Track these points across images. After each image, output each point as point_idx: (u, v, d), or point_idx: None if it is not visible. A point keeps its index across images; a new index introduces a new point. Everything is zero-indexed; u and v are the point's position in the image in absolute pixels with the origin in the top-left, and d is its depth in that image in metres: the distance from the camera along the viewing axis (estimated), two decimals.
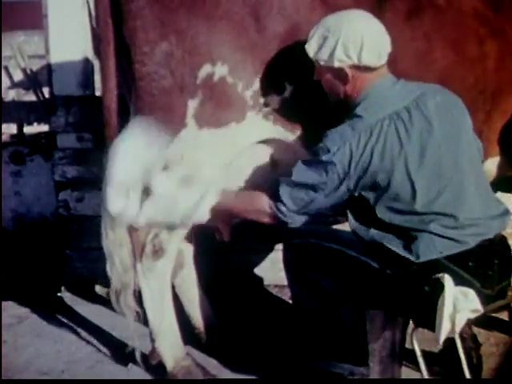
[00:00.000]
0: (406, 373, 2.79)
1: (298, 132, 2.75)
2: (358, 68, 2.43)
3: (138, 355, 2.97)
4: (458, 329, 2.27)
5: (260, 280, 3.91)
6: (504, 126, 2.84)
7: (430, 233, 2.35)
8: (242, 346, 3.16)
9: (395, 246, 2.38)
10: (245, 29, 2.61)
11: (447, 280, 2.27)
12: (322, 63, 2.47)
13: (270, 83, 2.68)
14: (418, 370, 2.80)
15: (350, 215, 2.49)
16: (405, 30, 2.66)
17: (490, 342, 3.10)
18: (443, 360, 2.81)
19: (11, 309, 3.74)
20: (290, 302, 3.71)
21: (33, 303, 3.78)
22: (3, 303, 3.75)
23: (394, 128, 2.36)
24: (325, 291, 2.51)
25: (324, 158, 2.37)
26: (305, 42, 2.51)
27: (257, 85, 2.66)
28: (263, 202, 2.50)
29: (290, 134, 2.75)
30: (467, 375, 2.44)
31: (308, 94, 2.66)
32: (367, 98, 2.43)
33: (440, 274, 2.29)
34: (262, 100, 2.69)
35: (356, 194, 2.41)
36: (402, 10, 2.66)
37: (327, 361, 2.57)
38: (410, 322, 2.60)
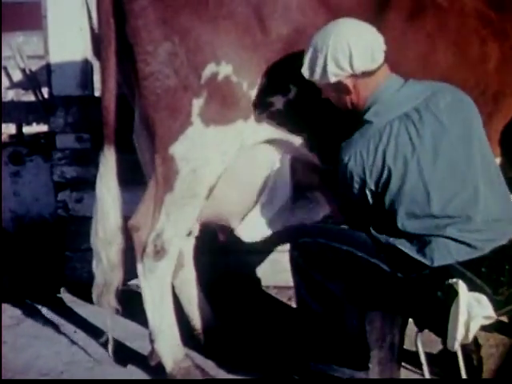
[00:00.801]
0: (406, 373, 2.79)
1: (303, 132, 2.75)
2: (356, 76, 2.43)
3: (110, 348, 3.01)
4: (471, 335, 2.25)
5: (259, 281, 3.91)
6: (505, 126, 2.84)
7: (446, 238, 2.32)
8: (240, 347, 3.16)
9: (409, 249, 2.35)
10: (249, 28, 2.62)
11: (461, 286, 2.24)
12: (318, 82, 2.50)
13: (275, 83, 2.68)
14: (418, 370, 2.82)
15: (367, 217, 2.49)
16: (407, 31, 2.66)
17: (490, 344, 3.09)
18: (443, 361, 2.81)
19: (11, 310, 3.74)
20: (289, 303, 3.73)
21: (32, 304, 3.78)
22: (3, 304, 3.74)
23: (404, 129, 2.36)
24: (331, 294, 2.48)
25: (340, 168, 2.43)
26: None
27: (262, 84, 2.67)
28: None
29: (294, 134, 2.75)
30: (463, 375, 2.43)
31: (313, 94, 2.67)
32: (375, 102, 2.43)
33: (453, 280, 2.26)
34: (267, 99, 2.70)
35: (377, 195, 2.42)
36: (404, 11, 2.67)
37: (327, 364, 2.55)
38: (411, 324, 2.60)
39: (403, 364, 2.73)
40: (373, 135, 2.38)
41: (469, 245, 2.32)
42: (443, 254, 2.32)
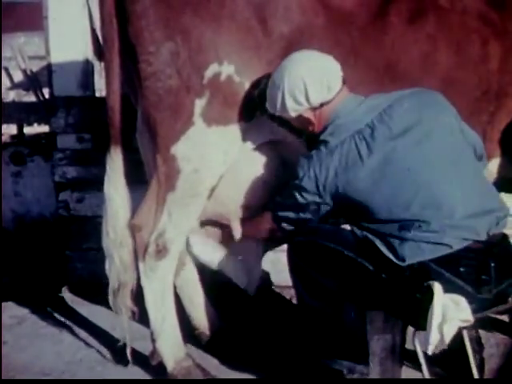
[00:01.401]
0: (406, 373, 2.80)
1: (301, 133, 2.75)
2: (314, 108, 2.53)
3: (129, 353, 2.99)
4: (447, 339, 2.23)
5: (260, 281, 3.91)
6: (506, 126, 2.84)
7: (413, 240, 2.35)
8: (242, 346, 3.16)
9: (385, 248, 2.39)
10: (251, 29, 2.63)
11: (437, 288, 2.25)
12: (281, 115, 2.60)
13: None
14: (418, 370, 2.82)
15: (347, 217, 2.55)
16: (408, 31, 2.67)
17: (491, 343, 3.10)
18: (443, 361, 2.81)
19: (12, 309, 3.74)
20: (290, 302, 3.73)
21: (33, 304, 3.78)
22: (4, 304, 3.75)
23: (354, 147, 2.44)
24: (327, 290, 2.53)
25: (296, 183, 2.53)
26: (311, 43, 2.58)
27: (263, 84, 2.67)
28: (268, 226, 2.75)
29: (296, 134, 2.76)
30: (476, 375, 2.43)
31: None
32: (331, 123, 2.52)
33: (430, 282, 2.28)
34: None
35: (336, 211, 2.52)
36: (406, 12, 2.67)
37: (327, 357, 2.58)
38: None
39: (404, 363, 2.73)
40: (326, 154, 2.47)
41: (437, 243, 2.33)
42: (414, 251, 2.34)
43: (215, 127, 2.70)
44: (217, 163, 2.76)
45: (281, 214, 2.65)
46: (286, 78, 2.51)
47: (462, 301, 2.26)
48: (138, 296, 2.91)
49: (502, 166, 2.91)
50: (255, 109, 2.72)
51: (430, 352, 2.28)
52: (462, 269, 2.33)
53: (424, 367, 2.49)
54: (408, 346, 2.71)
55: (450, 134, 2.48)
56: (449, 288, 2.27)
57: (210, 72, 2.64)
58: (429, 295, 2.26)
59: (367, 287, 2.47)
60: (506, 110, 2.82)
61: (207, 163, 2.75)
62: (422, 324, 2.29)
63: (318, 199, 2.50)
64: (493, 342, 3.12)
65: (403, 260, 2.35)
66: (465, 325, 2.28)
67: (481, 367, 2.81)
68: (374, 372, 2.58)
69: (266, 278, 3.85)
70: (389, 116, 2.44)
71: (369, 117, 2.46)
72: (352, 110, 2.50)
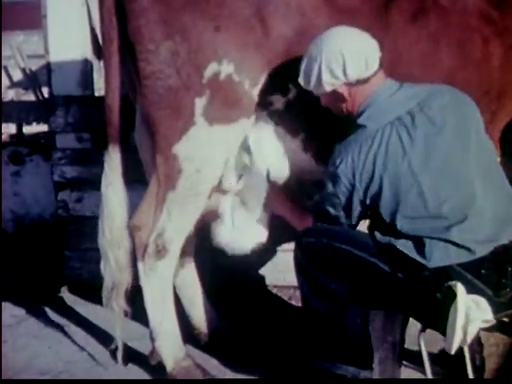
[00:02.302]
0: (406, 373, 2.79)
1: (304, 131, 2.75)
2: (351, 84, 2.46)
3: (120, 354, 3.00)
4: (469, 339, 2.23)
5: (260, 280, 3.91)
6: (506, 125, 2.84)
7: (445, 240, 2.31)
8: (241, 346, 3.16)
9: (409, 250, 2.34)
10: (250, 27, 2.62)
11: (460, 289, 2.22)
12: (314, 91, 2.53)
13: (276, 82, 2.69)
14: (418, 370, 2.82)
15: (368, 220, 2.50)
16: (410, 30, 2.66)
17: (490, 343, 3.10)
18: (443, 360, 2.81)
19: (11, 309, 3.74)
20: (290, 302, 3.73)
21: (32, 304, 3.78)
22: (3, 303, 3.75)
23: (395, 134, 2.38)
24: (333, 294, 2.48)
25: (331, 170, 2.45)
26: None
27: (263, 83, 2.68)
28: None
29: (295, 133, 2.76)
30: (470, 375, 2.43)
31: (312, 95, 2.67)
32: (369, 107, 2.45)
33: (452, 282, 2.25)
34: (268, 98, 2.71)
35: (368, 204, 2.42)
36: (408, 11, 2.67)
37: (331, 362, 2.54)
38: (413, 323, 2.60)
39: (404, 363, 2.73)
40: (365, 140, 2.40)
41: (468, 248, 2.31)
42: (442, 255, 2.31)
43: (217, 126, 2.70)
44: (219, 162, 2.76)
45: (318, 214, 2.56)
46: (324, 51, 2.43)
47: (483, 301, 2.24)
48: (137, 296, 2.91)
49: (503, 166, 2.90)
50: (256, 107, 2.72)
51: (452, 352, 2.26)
52: (483, 271, 2.31)
53: (427, 367, 2.48)
54: (408, 345, 2.71)
55: (481, 137, 2.46)
56: (468, 290, 2.24)
57: (209, 71, 2.64)
58: (450, 296, 2.24)
59: (379, 288, 2.43)
60: (506, 109, 2.82)
61: (209, 163, 2.74)
62: (440, 324, 2.28)
63: (351, 188, 2.41)
64: (492, 341, 3.12)
65: (429, 261, 2.31)
66: (486, 325, 2.27)
67: (480, 367, 2.81)
68: (374, 372, 2.57)
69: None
70: (429, 107, 2.39)
71: (408, 105, 2.40)
72: (391, 95, 2.44)
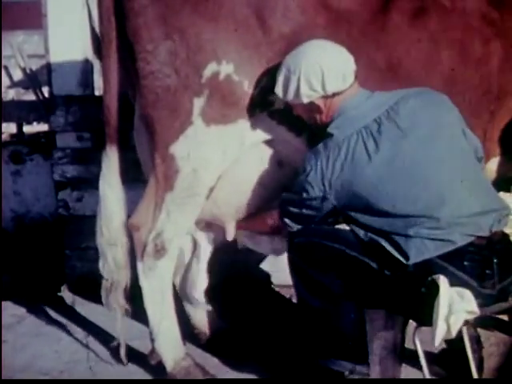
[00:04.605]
0: (406, 373, 2.79)
1: (303, 131, 2.75)
2: (327, 97, 2.52)
3: (122, 352, 3.01)
4: (454, 331, 2.24)
5: (260, 280, 3.91)
6: (506, 125, 2.84)
7: (419, 237, 2.35)
8: (241, 346, 3.16)
9: (390, 246, 2.39)
10: (249, 27, 2.62)
11: (442, 281, 2.25)
12: (291, 102, 2.58)
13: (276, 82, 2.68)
14: (418, 370, 2.81)
15: (347, 218, 2.53)
16: (410, 31, 2.66)
17: (490, 342, 3.10)
18: (443, 360, 2.81)
19: (11, 308, 3.74)
20: (289, 301, 3.73)
21: (32, 303, 3.78)
22: (3, 303, 3.75)
23: (361, 142, 2.44)
24: (328, 290, 2.52)
25: (302, 177, 2.51)
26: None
27: (263, 83, 2.67)
28: (272, 222, 2.76)
29: (295, 133, 2.75)
30: (475, 375, 2.43)
31: None
32: (338, 116, 2.52)
33: (436, 276, 2.28)
34: (267, 98, 2.70)
35: (340, 208, 2.49)
36: (407, 11, 2.67)
37: (328, 358, 2.58)
38: (411, 322, 2.60)
39: (404, 363, 2.73)
40: (332, 148, 2.46)
41: (442, 240, 2.34)
42: (419, 250, 2.34)
43: (214, 126, 2.69)
44: (216, 163, 2.75)
45: (285, 208, 2.63)
46: (303, 64, 2.49)
47: (467, 293, 2.26)
48: (137, 295, 2.91)
49: (502, 165, 2.91)
50: (255, 108, 2.71)
51: (436, 345, 2.29)
52: (466, 263, 2.34)
53: (424, 366, 2.48)
54: (408, 345, 2.71)
55: (454, 135, 2.49)
56: (453, 282, 2.28)
57: (208, 71, 2.64)
58: (434, 289, 2.26)
59: (370, 285, 2.48)
60: (506, 109, 2.82)
61: (206, 163, 2.74)
62: (426, 319, 2.29)
63: (322, 194, 2.48)
64: (492, 340, 3.12)
65: (408, 258, 2.34)
66: (470, 317, 2.28)
67: (480, 366, 2.81)
68: (374, 372, 2.58)
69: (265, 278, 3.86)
70: (395, 112, 2.45)
71: (376, 112, 2.46)
72: (360, 104, 2.50)
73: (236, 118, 2.70)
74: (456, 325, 2.24)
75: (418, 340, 2.42)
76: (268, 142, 2.81)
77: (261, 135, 2.78)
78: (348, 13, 2.62)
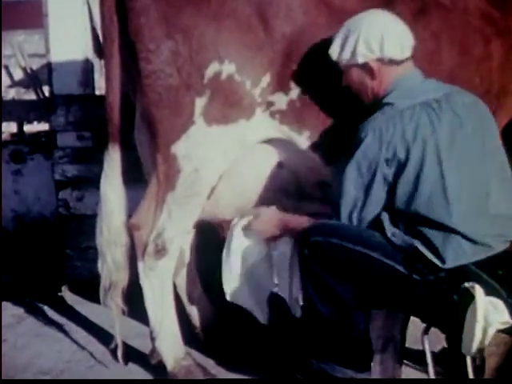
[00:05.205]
0: (406, 373, 2.79)
1: (305, 132, 2.74)
2: (383, 61, 2.46)
3: (120, 352, 3.00)
4: (487, 341, 2.22)
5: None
6: (507, 125, 2.84)
7: (460, 235, 2.28)
8: (241, 346, 3.16)
9: (424, 249, 2.31)
10: (252, 27, 2.62)
11: (478, 291, 2.19)
12: (345, 63, 2.51)
13: (278, 82, 2.68)
14: (418, 370, 2.82)
15: (384, 217, 2.42)
16: (411, 30, 2.66)
17: (490, 342, 3.09)
18: (443, 360, 2.81)
19: (11, 308, 3.74)
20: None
21: (33, 303, 3.79)
22: (3, 303, 3.75)
23: (425, 113, 2.37)
24: (339, 299, 2.41)
25: (357, 148, 2.39)
26: (312, 43, 2.56)
27: (265, 83, 2.67)
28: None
29: (296, 134, 2.75)
30: (471, 375, 2.42)
31: (315, 94, 2.68)
32: (397, 88, 2.46)
33: (470, 284, 2.22)
34: (269, 98, 2.70)
35: (390, 181, 2.37)
36: (409, 11, 2.67)
37: (329, 363, 2.50)
38: (411, 322, 2.60)
39: (404, 363, 2.73)
40: (393, 115, 2.38)
41: (482, 243, 2.29)
42: (457, 253, 2.28)
43: (216, 126, 2.69)
44: (217, 163, 2.75)
45: (339, 206, 2.43)
46: (365, 25, 2.45)
47: (500, 304, 2.22)
48: (137, 294, 2.91)
49: None
50: (257, 108, 2.71)
51: (471, 354, 2.26)
52: (500, 272, 2.29)
53: (430, 366, 2.48)
54: (408, 345, 2.71)
55: (498, 137, 2.48)
56: (485, 290, 2.21)
57: (210, 71, 2.63)
58: (467, 298, 2.21)
59: (393, 289, 2.39)
60: (506, 108, 2.82)
61: (208, 163, 2.74)
62: (455, 326, 2.26)
63: (375, 166, 2.35)
64: (493, 341, 3.11)
65: (444, 262, 2.29)
66: (503, 327, 2.25)
67: (480, 367, 2.80)
68: (374, 372, 2.57)
69: None
70: (453, 100, 2.40)
71: (435, 94, 2.41)
72: (417, 82, 2.46)
73: (237, 118, 2.70)
74: (490, 336, 2.21)
75: (426, 343, 2.41)
76: (269, 143, 2.81)
77: (262, 136, 2.78)
78: (350, 12, 2.62)
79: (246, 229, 2.76)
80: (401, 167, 2.35)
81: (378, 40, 2.43)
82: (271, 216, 2.71)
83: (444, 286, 2.30)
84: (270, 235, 2.71)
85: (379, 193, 2.40)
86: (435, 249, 2.30)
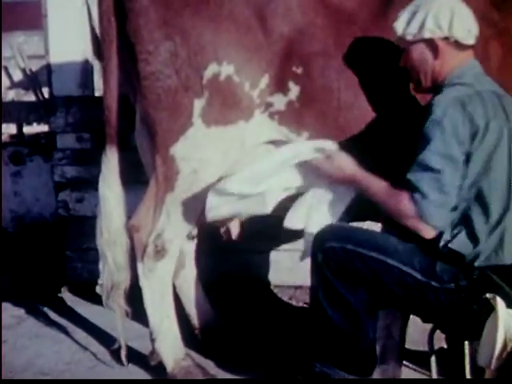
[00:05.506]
0: (406, 373, 2.80)
1: (304, 133, 2.74)
2: (449, 41, 2.41)
3: (123, 353, 3.01)
4: (506, 353, 2.16)
5: (260, 280, 3.91)
6: None
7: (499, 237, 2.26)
8: (241, 347, 3.16)
9: (462, 247, 2.27)
10: (250, 28, 2.62)
11: (500, 304, 2.15)
12: (410, 38, 2.45)
13: (277, 83, 2.68)
14: (418, 370, 2.82)
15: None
16: None
17: None
18: (443, 360, 2.81)
19: (11, 309, 3.74)
20: (290, 302, 3.73)
21: (33, 304, 3.79)
22: (3, 303, 3.75)
23: (498, 101, 2.35)
24: (350, 307, 2.38)
25: (433, 125, 2.30)
26: (311, 43, 2.56)
27: (263, 84, 2.67)
28: (399, 194, 2.33)
29: (295, 135, 2.75)
30: (468, 375, 2.42)
31: (316, 94, 2.67)
32: (461, 74, 2.41)
33: (491, 295, 2.19)
34: (268, 99, 2.70)
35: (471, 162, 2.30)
36: None
37: (331, 367, 2.46)
38: (411, 322, 2.60)
39: (404, 363, 2.73)
40: (471, 94, 2.32)
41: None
42: (488, 258, 2.26)
43: (214, 128, 2.69)
44: (216, 164, 2.75)
45: (415, 177, 2.29)
46: (436, 3, 2.40)
47: None
48: (137, 295, 2.91)
49: None
50: (255, 109, 2.71)
51: (491, 366, 2.20)
52: None
53: (433, 366, 2.47)
54: (408, 345, 2.71)
55: None
56: (505, 302, 2.18)
57: (209, 72, 2.64)
58: (488, 309, 2.17)
59: (410, 297, 2.36)
60: None
61: (206, 164, 2.74)
62: (471, 336, 2.25)
63: (455, 141, 2.26)
64: None
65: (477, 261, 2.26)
66: None
67: (481, 367, 2.80)
68: (374, 372, 2.57)
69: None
70: (503, 96, 2.39)
71: (492, 87, 2.40)
72: (482, 72, 2.44)
73: (236, 119, 2.70)
74: (510, 348, 2.16)
75: (433, 342, 2.40)
76: (268, 144, 2.81)
77: (261, 137, 2.78)
78: (349, 13, 2.62)
79: (307, 163, 2.58)
80: (474, 146, 2.29)
81: (448, 18, 2.38)
82: (346, 164, 2.51)
83: (464, 294, 2.27)
84: (333, 180, 2.55)
85: (462, 167, 2.31)
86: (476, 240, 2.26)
